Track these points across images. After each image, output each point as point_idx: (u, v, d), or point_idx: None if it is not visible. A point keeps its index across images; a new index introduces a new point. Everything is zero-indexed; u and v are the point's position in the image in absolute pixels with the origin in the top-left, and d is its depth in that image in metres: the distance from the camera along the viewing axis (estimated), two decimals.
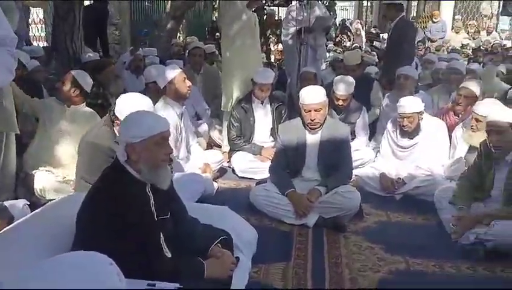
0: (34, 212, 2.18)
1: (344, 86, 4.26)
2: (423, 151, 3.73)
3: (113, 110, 2.75)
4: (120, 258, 1.36)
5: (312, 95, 3.25)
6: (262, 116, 4.34)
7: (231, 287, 2.05)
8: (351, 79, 4.36)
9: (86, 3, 6.11)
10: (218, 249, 2.08)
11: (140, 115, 1.99)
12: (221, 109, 4.75)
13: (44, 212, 2.12)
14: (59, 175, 3.38)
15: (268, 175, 3.46)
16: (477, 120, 3.38)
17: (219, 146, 4.86)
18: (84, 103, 3.55)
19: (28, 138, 3.49)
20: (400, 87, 4.46)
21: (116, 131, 2.76)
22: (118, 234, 1.78)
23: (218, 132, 4.98)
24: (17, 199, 2.92)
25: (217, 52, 6.70)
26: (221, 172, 4.19)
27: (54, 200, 2.49)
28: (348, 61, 5.16)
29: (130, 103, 2.66)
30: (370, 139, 4.62)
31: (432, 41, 11.77)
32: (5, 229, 2.01)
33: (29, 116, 3.59)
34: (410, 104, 3.62)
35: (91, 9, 6.50)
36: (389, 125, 3.96)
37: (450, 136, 3.85)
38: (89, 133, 2.90)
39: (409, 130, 3.69)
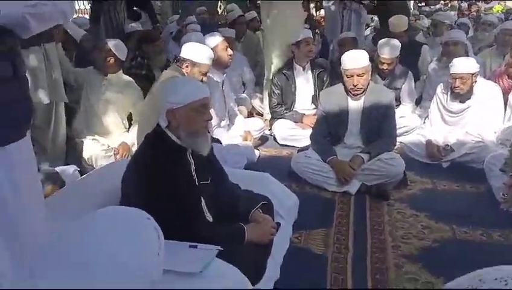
0: (83, 177, 2.27)
1: (389, 49, 4.09)
2: (474, 116, 3.56)
3: (179, 57, 3.25)
4: (162, 221, 1.40)
5: (354, 60, 3.15)
6: (304, 83, 4.26)
7: (271, 252, 2.07)
8: (396, 42, 4.18)
9: None
10: (259, 214, 2.09)
11: (182, 82, 2.01)
12: (265, 79, 4.71)
13: (94, 176, 2.20)
14: (104, 144, 3.49)
15: (310, 142, 3.42)
16: None
17: (260, 114, 4.84)
18: (121, 71, 3.61)
19: (76, 107, 3.60)
20: (448, 54, 4.18)
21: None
22: (160, 198, 1.81)
23: (259, 100, 4.96)
24: (67, 165, 3.05)
25: (258, 18, 6.58)
26: (263, 140, 4.19)
27: (102, 166, 2.58)
28: (394, 27, 4.90)
29: (194, 46, 3.24)
30: (417, 105, 4.46)
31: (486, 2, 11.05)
32: (56, 193, 2.11)
33: (74, 85, 3.69)
34: (464, 64, 3.44)
35: None
36: (439, 89, 3.77)
37: (504, 100, 3.63)
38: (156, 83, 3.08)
39: (461, 93, 3.51)
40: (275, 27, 4.52)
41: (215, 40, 3.56)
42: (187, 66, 3.17)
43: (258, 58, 5.48)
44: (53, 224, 1.54)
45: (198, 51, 3.20)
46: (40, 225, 1.50)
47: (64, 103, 3.27)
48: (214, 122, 3.36)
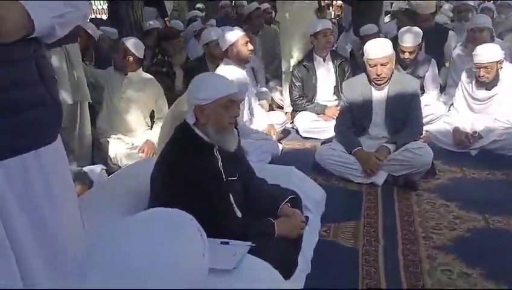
0: (111, 176, 2.28)
1: (410, 37, 4.01)
2: (502, 102, 3.47)
3: None
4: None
5: (377, 49, 3.09)
6: (325, 74, 4.22)
7: (301, 246, 2.05)
8: (417, 30, 4.10)
9: None
10: (287, 209, 2.07)
11: (210, 78, 2.00)
12: (283, 71, 4.67)
13: (122, 175, 2.21)
14: (128, 143, 3.51)
15: (333, 134, 3.38)
16: None
17: (281, 107, 4.81)
18: (141, 69, 3.61)
19: (99, 107, 3.63)
20: (474, 41, 3.99)
21: None
22: (189, 195, 1.80)
23: (279, 92, 4.93)
24: (94, 165, 3.08)
25: (269, 10, 6.54)
26: (285, 133, 4.17)
27: (128, 165, 2.59)
28: (422, 9, 4.77)
29: (227, 71, 2.74)
30: (441, 93, 4.36)
31: None
32: (86, 192, 2.13)
33: (96, 85, 3.71)
34: (488, 52, 3.34)
35: None
36: (464, 77, 3.69)
37: None
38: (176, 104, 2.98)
39: (486, 81, 3.42)
40: (289, 20, 4.49)
41: (236, 34, 3.53)
42: None
43: (276, 50, 5.43)
44: (88, 223, 1.55)
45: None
46: (76, 227, 1.50)
47: (88, 103, 3.29)
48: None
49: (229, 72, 2.79)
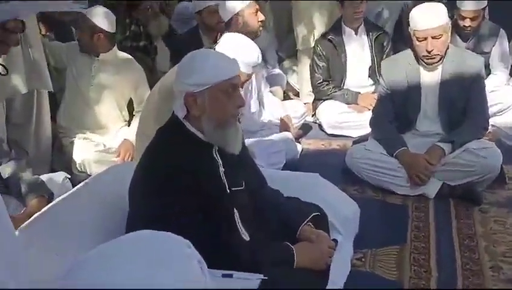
0: (77, 187, 2.28)
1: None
2: None
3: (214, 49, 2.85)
4: None
5: (428, 17, 3.10)
6: (357, 52, 4.25)
7: (330, 279, 2.04)
8: None
9: None
10: (310, 230, 2.08)
11: (204, 56, 1.98)
12: (298, 48, 4.70)
13: (90, 187, 2.22)
14: (99, 143, 3.53)
15: (369, 130, 3.41)
16: None
17: (298, 94, 4.82)
18: (115, 47, 3.62)
19: (61, 96, 3.63)
20: None
21: None
22: (180, 211, 1.81)
23: (296, 75, 4.93)
24: (54, 171, 3.09)
25: None
26: (305, 129, 4.19)
27: (100, 172, 2.59)
28: None
29: (235, 39, 2.88)
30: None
31: None
32: (45, 208, 2.12)
33: (58, 66, 3.68)
34: None
35: None
36: None
37: None
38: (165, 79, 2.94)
39: None
40: None
41: (242, 1, 3.53)
42: None
43: (291, 22, 5.41)
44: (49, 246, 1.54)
45: (234, 46, 2.80)
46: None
47: (48, 92, 3.30)
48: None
49: (236, 40, 2.86)
